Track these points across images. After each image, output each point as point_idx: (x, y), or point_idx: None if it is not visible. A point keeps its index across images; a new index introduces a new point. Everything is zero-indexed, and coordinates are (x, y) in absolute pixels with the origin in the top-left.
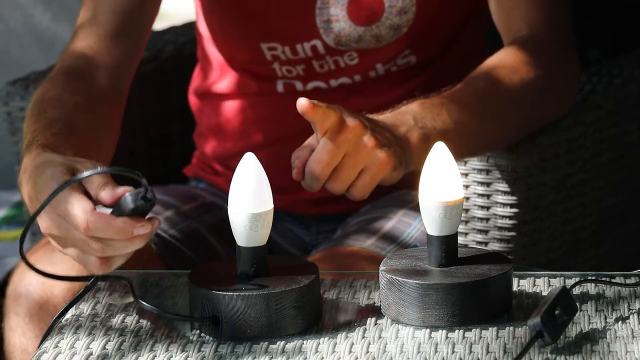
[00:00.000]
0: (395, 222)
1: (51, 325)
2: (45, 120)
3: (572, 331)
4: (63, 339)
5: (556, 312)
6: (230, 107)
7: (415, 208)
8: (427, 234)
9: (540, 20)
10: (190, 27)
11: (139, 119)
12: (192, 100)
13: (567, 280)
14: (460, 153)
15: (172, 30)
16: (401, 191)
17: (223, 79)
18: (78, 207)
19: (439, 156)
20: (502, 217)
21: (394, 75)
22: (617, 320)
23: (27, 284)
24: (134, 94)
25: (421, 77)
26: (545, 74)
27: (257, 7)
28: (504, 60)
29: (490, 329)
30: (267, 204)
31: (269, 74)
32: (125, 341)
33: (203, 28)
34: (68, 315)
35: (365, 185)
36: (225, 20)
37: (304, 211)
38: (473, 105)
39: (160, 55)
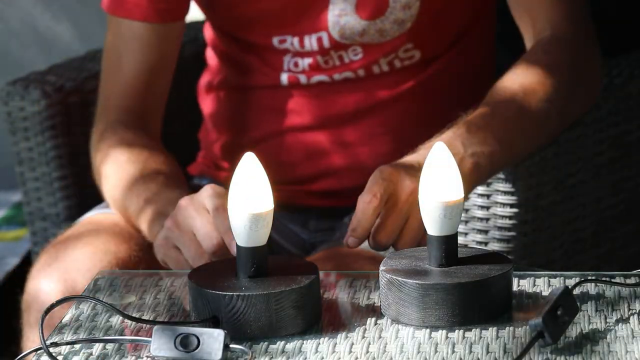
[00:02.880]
0: None
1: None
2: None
3: (572, 331)
4: (63, 339)
5: (558, 312)
6: (235, 100)
7: None
8: (427, 234)
9: (562, 18)
10: (191, 27)
11: None
12: (200, 95)
13: (567, 280)
14: (500, 170)
15: None
16: None
17: (230, 73)
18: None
19: (439, 156)
20: (502, 217)
21: (398, 72)
22: (617, 320)
23: (49, 281)
24: None
25: (425, 74)
26: (572, 76)
27: (273, 3)
28: (531, 67)
29: (490, 329)
30: (267, 204)
31: (276, 66)
32: (125, 341)
33: (210, 27)
34: (68, 315)
35: (413, 233)
36: (240, 15)
37: (304, 202)
38: (513, 119)
39: None
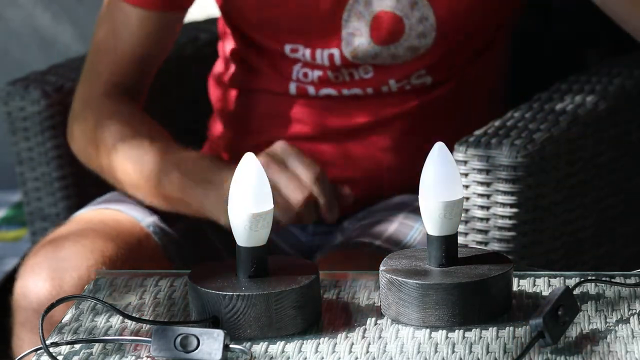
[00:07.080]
0: (398, 225)
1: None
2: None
3: (572, 331)
4: (63, 339)
5: (558, 312)
6: (243, 100)
7: (414, 211)
8: (427, 234)
9: None
10: (191, 27)
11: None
12: (211, 85)
13: (567, 280)
14: None
15: None
16: (399, 196)
17: (240, 71)
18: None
19: (439, 156)
20: (502, 217)
21: (405, 92)
22: (617, 320)
23: (36, 279)
24: None
25: (433, 95)
26: None
27: (287, 9)
28: None
29: (490, 329)
30: (267, 204)
31: (286, 74)
32: (125, 341)
33: (224, 24)
34: (68, 315)
35: None
36: (255, 18)
37: None
38: None
39: None
